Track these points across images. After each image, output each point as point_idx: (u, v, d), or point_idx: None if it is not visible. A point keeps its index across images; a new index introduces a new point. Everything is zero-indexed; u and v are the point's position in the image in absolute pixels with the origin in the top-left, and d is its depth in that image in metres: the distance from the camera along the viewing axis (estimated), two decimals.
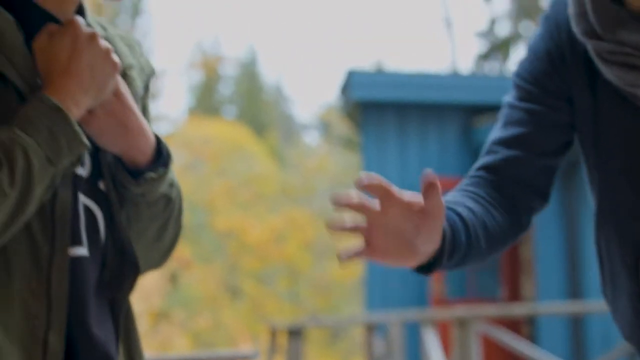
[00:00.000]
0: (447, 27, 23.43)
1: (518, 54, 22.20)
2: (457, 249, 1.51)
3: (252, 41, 50.34)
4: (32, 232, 1.31)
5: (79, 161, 1.36)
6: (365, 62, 34.77)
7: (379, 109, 9.85)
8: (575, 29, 1.61)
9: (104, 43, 1.36)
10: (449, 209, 1.52)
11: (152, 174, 1.42)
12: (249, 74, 31.98)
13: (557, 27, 1.68)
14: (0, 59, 1.32)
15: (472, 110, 9.81)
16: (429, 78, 10.39)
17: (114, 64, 1.37)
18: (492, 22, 21.99)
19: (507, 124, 1.72)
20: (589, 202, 1.72)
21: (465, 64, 28.81)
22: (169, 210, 1.51)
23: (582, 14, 1.59)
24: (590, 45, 1.59)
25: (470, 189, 1.66)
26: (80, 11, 1.47)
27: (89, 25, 1.47)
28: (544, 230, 9.27)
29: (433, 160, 9.70)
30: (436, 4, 27.91)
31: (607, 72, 1.58)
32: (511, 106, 1.74)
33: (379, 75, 11.31)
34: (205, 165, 22.67)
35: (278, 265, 22.61)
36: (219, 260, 22.33)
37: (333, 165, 27.42)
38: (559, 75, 1.67)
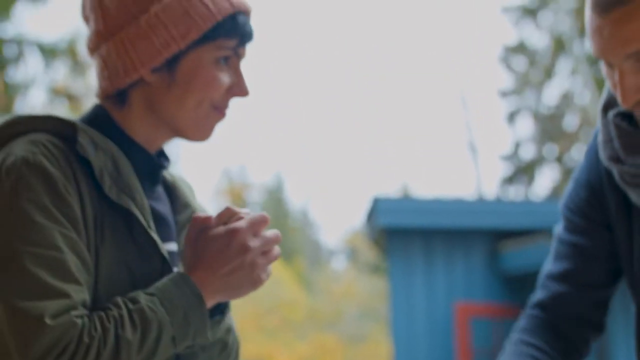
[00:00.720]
0: (472, 151, 23.63)
1: (543, 177, 22.30)
2: None
3: (279, 167, 50.90)
4: None
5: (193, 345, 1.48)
6: (390, 187, 34.96)
7: (405, 235, 9.88)
8: (602, 154, 1.69)
9: (254, 259, 1.47)
10: None
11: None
12: (275, 200, 32.23)
13: (597, 158, 1.76)
14: (124, 198, 1.45)
15: (498, 235, 9.82)
16: (454, 204, 10.43)
17: (256, 281, 1.48)
18: (517, 146, 22.15)
19: (557, 257, 1.79)
20: (619, 320, 1.79)
21: (490, 187, 28.92)
22: (224, 356, 1.58)
23: (608, 141, 1.68)
24: (615, 170, 1.67)
25: (526, 340, 1.72)
26: (163, 153, 1.64)
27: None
28: None
29: (460, 285, 9.68)
30: (460, 129, 28.22)
31: (633, 196, 1.65)
32: (560, 239, 1.81)
33: (405, 202, 11.37)
34: None
35: None
36: None
37: (361, 290, 27.30)
38: (600, 204, 1.74)
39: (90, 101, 17.72)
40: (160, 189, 1.64)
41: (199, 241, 1.46)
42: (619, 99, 1.56)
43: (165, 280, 1.42)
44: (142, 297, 1.38)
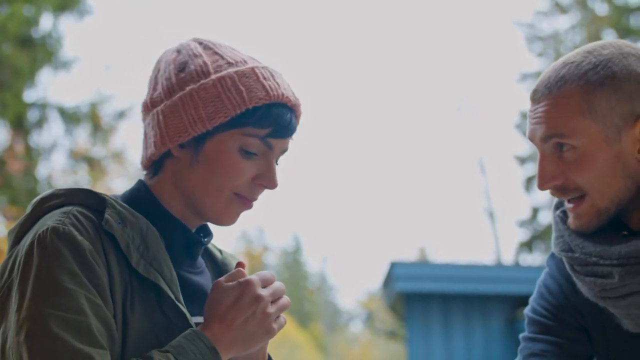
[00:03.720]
0: (489, 217, 23.61)
1: None
2: None
3: (296, 230, 50.81)
4: None
5: None
6: (408, 252, 34.85)
7: (423, 300, 9.85)
8: (555, 249, 1.77)
9: (266, 308, 1.53)
10: None
11: None
12: (293, 262, 32.16)
13: (563, 262, 1.81)
14: (152, 272, 1.50)
15: (517, 301, 9.78)
16: (472, 269, 10.39)
17: (269, 330, 1.53)
18: (534, 211, 22.12)
19: (530, 356, 1.82)
20: None
21: (509, 253, 28.80)
22: None
23: (560, 236, 1.76)
24: (565, 260, 1.74)
25: None
26: (204, 228, 1.68)
27: (207, 249, 1.73)
28: None
29: (478, 351, 9.63)
30: (478, 194, 28.25)
31: (581, 286, 1.72)
32: (531, 339, 1.84)
33: (422, 267, 11.35)
34: None
35: None
36: None
37: (377, 354, 27.09)
38: (574, 307, 1.79)
39: (109, 165, 17.87)
40: (202, 263, 1.68)
41: (212, 295, 1.52)
42: (537, 181, 1.68)
43: (179, 337, 1.47)
44: (156, 355, 1.43)
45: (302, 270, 32.77)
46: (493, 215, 23.53)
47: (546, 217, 22.16)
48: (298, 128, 1.66)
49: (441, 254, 40.15)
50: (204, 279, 1.66)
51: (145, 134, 1.63)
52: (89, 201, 1.54)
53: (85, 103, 15.73)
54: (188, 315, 1.53)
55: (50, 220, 1.48)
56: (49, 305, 1.39)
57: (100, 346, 1.39)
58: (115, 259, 1.49)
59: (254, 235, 33.09)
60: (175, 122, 1.57)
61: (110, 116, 16.94)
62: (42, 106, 15.09)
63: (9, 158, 13.19)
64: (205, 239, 1.68)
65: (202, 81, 1.58)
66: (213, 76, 1.58)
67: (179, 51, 1.65)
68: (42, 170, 15.93)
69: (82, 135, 16.25)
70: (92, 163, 16.29)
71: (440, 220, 45.33)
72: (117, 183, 19.13)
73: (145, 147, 1.63)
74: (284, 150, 1.65)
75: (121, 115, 17.08)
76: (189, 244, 1.64)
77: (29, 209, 1.57)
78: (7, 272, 1.49)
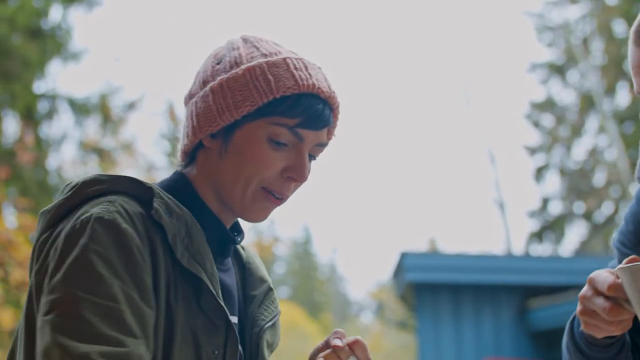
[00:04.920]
0: (499, 208, 23.59)
1: (571, 233, 22.18)
2: None
3: (307, 221, 50.88)
4: None
5: None
6: (418, 241, 34.86)
7: (433, 291, 9.86)
8: (637, 174, 1.73)
9: None
10: None
11: None
12: (303, 253, 32.22)
13: None
14: (195, 265, 1.49)
15: (527, 291, 9.79)
16: (483, 260, 10.40)
17: None
18: (544, 202, 22.10)
19: None
20: None
21: (519, 243, 28.79)
22: None
23: None
24: None
25: None
26: (237, 227, 1.69)
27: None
28: None
29: (488, 341, 9.63)
30: (488, 185, 28.22)
31: None
32: None
33: (433, 257, 11.36)
34: None
35: None
36: None
37: (388, 344, 27.10)
38: None
39: (119, 157, 17.89)
40: (229, 261, 1.67)
41: None
42: None
43: None
44: None
45: (312, 261, 32.81)
46: (503, 206, 23.50)
47: (556, 208, 22.13)
48: (336, 122, 1.64)
49: (451, 245, 40.19)
50: (231, 278, 1.65)
51: (183, 126, 1.64)
52: (135, 190, 1.52)
53: (95, 94, 15.76)
54: (227, 311, 1.52)
55: (94, 207, 1.46)
56: (82, 290, 1.37)
57: (132, 334, 1.37)
58: (161, 249, 1.47)
59: (265, 226, 33.16)
60: (206, 112, 1.57)
61: (120, 107, 16.98)
62: (52, 97, 15.12)
63: (19, 149, 13.23)
64: (239, 238, 1.68)
65: (233, 71, 1.58)
66: (243, 66, 1.58)
67: (223, 47, 1.66)
68: (52, 161, 15.99)
69: (91, 127, 16.29)
70: (102, 154, 16.33)
71: (451, 210, 45.34)
72: (127, 174, 19.14)
73: (182, 138, 1.64)
74: (321, 145, 1.62)
75: (131, 106, 17.12)
76: (223, 241, 1.63)
77: (66, 190, 1.54)
78: (43, 255, 1.47)
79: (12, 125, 15.03)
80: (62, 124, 15.62)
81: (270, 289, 1.72)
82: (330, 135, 1.64)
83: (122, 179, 1.53)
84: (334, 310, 31.02)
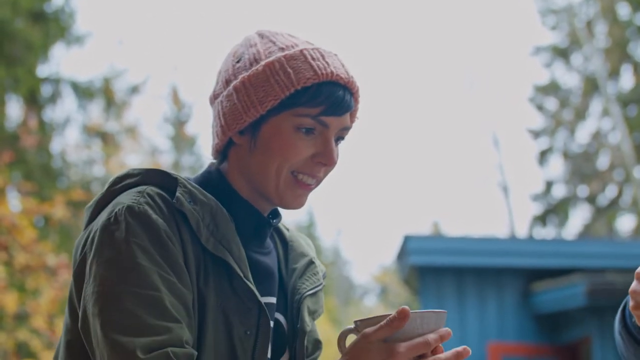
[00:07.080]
0: (503, 191, 23.59)
1: (574, 217, 22.17)
2: None
3: (310, 205, 50.89)
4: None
5: None
6: (421, 224, 34.88)
7: (437, 274, 9.87)
8: None
9: None
10: None
11: None
12: (307, 236, 32.21)
13: None
14: (220, 249, 1.55)
15: (530, 275, 9.80)
16: (486, 243, 10.40)
17: None
18: (548, 185, 22.10)
19: None
20: None
21: (522, 226, 28.79)
22: None
23: None
24: None
25: None
26: (274, 211, 1.74)
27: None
28: None
29: (492, 324, 9.65)
30: (492, 169, 28.20)
31: None
32: None
33: (436, 240, 11.37)
34: None
35: None
36: None
37: None
38: None
39: (123, 140, 17.86)
40: (270, 244, 1.73)
41: (357, 345, 1.47)
42: None
43: None
44: None
45: (316, 244, 32.81)
46: (507, 189, 23.49)
47: (560, 191, 22.13)
48: (357, 105, 1.69)
49: (455, 228, 40.20)
50: (271, 260, 1.71)
51: (212, 126, 1.70)
52: (162, 181, 1.59)
53: (98, 78, 15.76)
54: (256, 292, 1.57)
55: (125, 198, 1.54)
56: (122, 282, 1.45)
57: (175, 320, 1.44)
58: (188, 236, 1.53)
59: None
60: (232, 110, 1.63)
61: (124, 91, 16.98)
62: (56, 81, 15.12)
63: (22, 133, 13.22)
64: (274, 220, 1.73)
65: (253, 68, 1.63)
66: (263, 62, 1.63)
67: (241, 44, 1.71)
68: (55, 145, 15.99)
69: (95, 110, 16.30)
70: (105, 138, 16.33)
71: (454, 194, 45.34)
72: (131, 158, 19.15)
73: (212, 137, 1.70)
74: (345, 128, 1.67)
75: (134, 90, 17.12)
76: (258, 225, 1.68)
77: (105, 187, 1.62)
78: (81, 247, 1.55)
79: (16, 109, 15.05)
80: (65, 107, 15.64)
81: (311, 262, 1.78)
82: (353, 118, 1.69)
83: (152, 172, 1.61)
84: (338, 293, 31.08)
